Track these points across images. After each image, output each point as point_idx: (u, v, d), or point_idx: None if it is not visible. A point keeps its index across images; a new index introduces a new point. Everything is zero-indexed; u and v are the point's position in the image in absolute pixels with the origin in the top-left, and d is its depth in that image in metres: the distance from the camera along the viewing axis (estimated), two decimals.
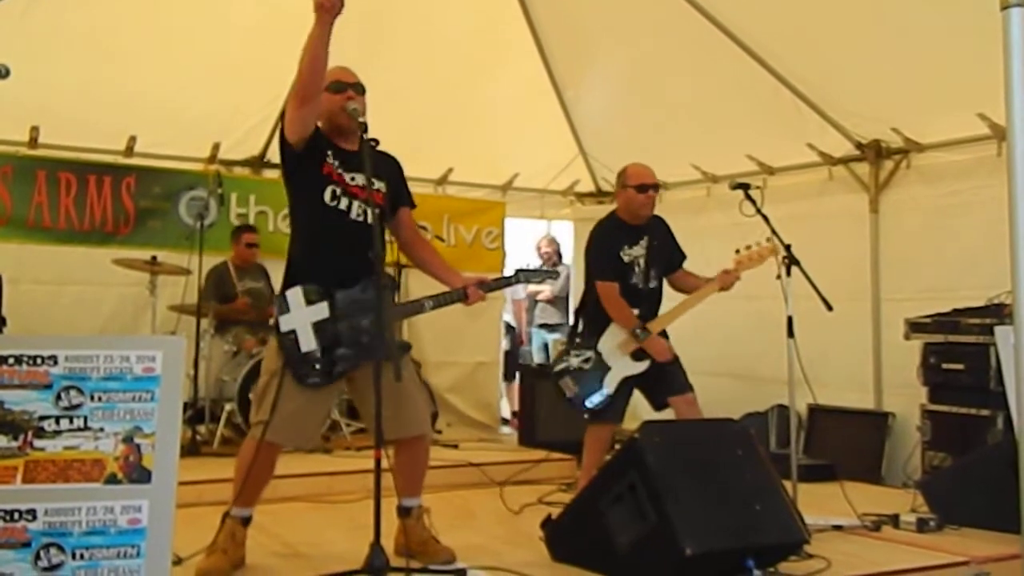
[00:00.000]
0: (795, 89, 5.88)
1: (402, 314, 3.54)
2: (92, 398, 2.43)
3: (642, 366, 4.53)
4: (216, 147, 6.56)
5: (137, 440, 2.42)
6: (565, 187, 7.99)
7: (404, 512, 3.59)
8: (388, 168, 3.47)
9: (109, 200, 6.21)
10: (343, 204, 3.34)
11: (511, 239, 7.82)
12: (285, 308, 3.35)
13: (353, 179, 3.37)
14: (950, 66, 5.00)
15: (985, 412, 4.89)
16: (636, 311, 4.54)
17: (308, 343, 3.32)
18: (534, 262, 8.79)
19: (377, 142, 3.32)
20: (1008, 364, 3.60)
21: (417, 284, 6.94)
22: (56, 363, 2.42)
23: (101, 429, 2.41)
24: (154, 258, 5.72)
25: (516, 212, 7.89)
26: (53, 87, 5.61)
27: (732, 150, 6.62)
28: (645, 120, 6.81)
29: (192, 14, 5.71)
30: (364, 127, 3.25)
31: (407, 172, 7.11)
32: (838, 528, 4.09)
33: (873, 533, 4.09)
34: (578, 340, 4.66)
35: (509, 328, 8.38)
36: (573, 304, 8.39)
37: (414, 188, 7.18)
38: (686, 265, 4.84)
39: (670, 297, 4.81)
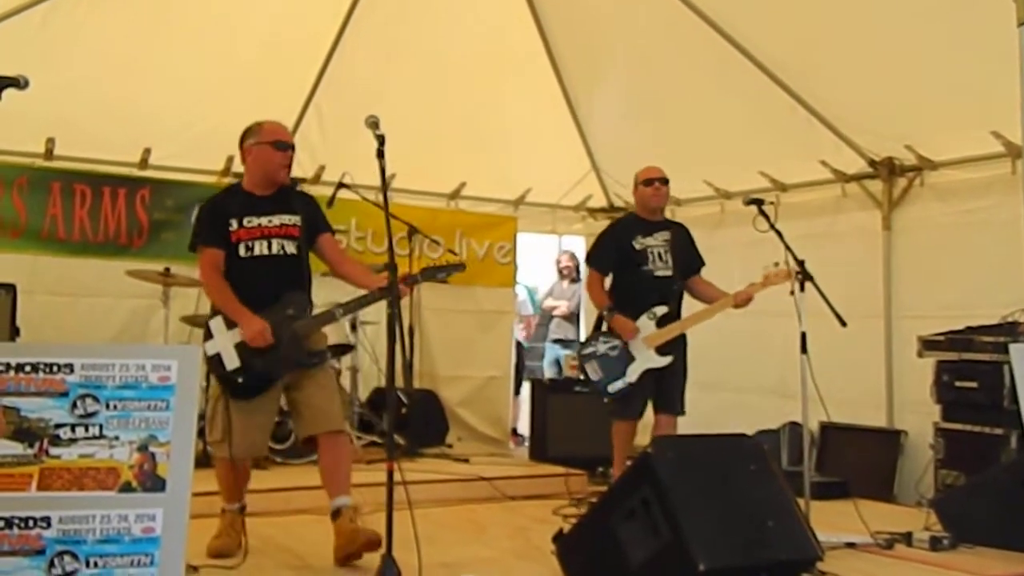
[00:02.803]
0: (808, 106, 5.88)
1: (315, 324, 3.88)
2: (108, 406, 2.44)
3: (664, 360, 4.77)
4: (230, 160, 6.58)
5: (152, 449, 2.43)
6: (577, 202, 7.99)
7: (335, 515, 3.76)
8: (303, 204, 3.95)
9: (123, 212, 6.23)
10: (258, 249, 3.82)
11: (523, 254, 7.82)
12: (209, 335, 3.79)
13: (271, 221, 3.85)
14: (964, 84, 4.99)
15: (999, 430, 4.85)
16: (655, 297, 4.82)
17: (232, 362, 3.73)
18: (552, 276, 8.83)
19: (296, 183, 4.02)
20: (1022, 382, 3.58)
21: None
22: (72, 371, 2.43)
23: (116, 437, 2.42)
24: (167, 270, 5.74)
25: (528, 227, 7.90)
26: (69, 99, 5.65)
27: (745, 166, 6.62)
28: (658, 136, 6.81)
29: (207, 27, 5.75)
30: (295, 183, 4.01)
31: (420, 186, 7.39)
32: (851, 546, 4.07)
33: (886, 551, 4.06)
34: (606, 328, 4.91)
35: (517, 344, 8.39)
36: (585, 318, 8.42)
37: (427, 202, 7.43)
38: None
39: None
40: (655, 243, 4.93)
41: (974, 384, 5.01)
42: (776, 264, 4.57)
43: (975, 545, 4.10)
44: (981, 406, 4.96)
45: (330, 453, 3.81)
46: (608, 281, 5.07)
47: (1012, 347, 3.77)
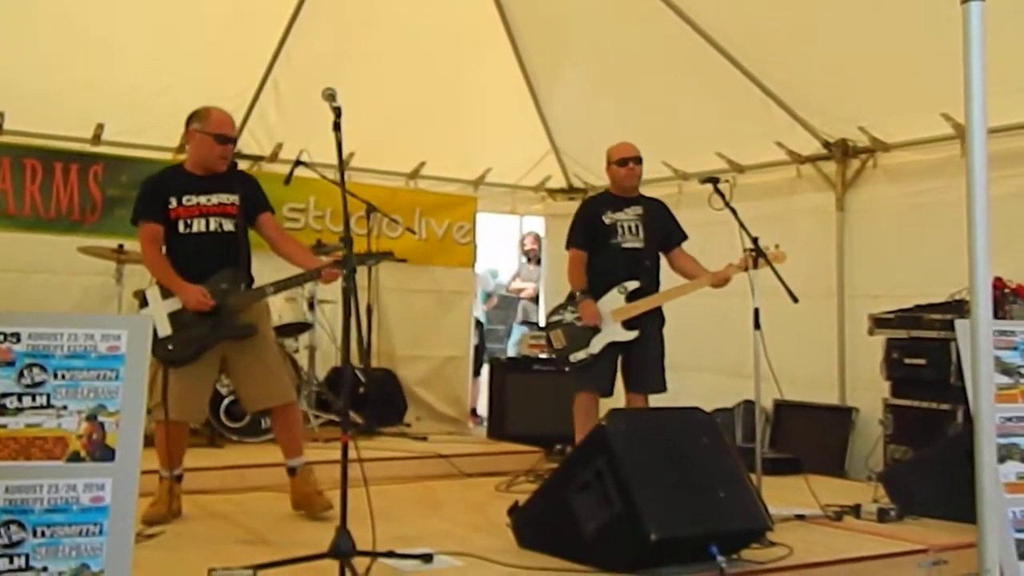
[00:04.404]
0: (764, 87, 5.94)
1: (247, 299, 4.09)
2: (56, 376, 2.41)
3: (630, 335, 4.70)
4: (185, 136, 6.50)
5: (101, 418, 2.40)
6: (537, 183, 8.01)
7: (291, 471, 4.16)
8: (242, 184, 4.15)
9: (76, 188, 6.13)
10: (196, 226, 4.02)
11: (483, 234, 7.83)
12: (144, 303, 4.03)
13: (209, 199, 4.05)
14: (915, 66, 5.07)
15: (946, 406, 4.95)
16: (625, 270, 4.78)
17: (163, 329, 3.91)
18: (512, 256, 8.86)
19: (235, 163, 4.18)
20: (967, 357, 3.65)
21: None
22: (19, 340, 2.40)
23: (64, 407, 2.39)
24: (121, 246, 5.66)
25: (488, 207, 7.90)
26: (19, 72, 5.54)
27: (703, 147, 6.67)
28: (617, 116, 6.83)
29: (162, 1, 5.66)
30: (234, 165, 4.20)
31: (379, 165, 7.31)
32: (801, 518, 4.14)
33: (835, 523, 4.15)
34: (573, 300, 4.85)
35: (478, 324, 8.42)
36: (544, 299, 8.47)
37: (386, 181, 7.40)
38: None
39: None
40: (625, 217, 4.86)
41: (922, 361, 5.10)
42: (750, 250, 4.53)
43: (921, 516, 4.20)
44: (929, 382, 5.05)
45: (282, 422, 4.19)
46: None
47: (957, 323, 3.82)
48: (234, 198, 4.09)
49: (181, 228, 4.02)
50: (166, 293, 3.98)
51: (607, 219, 4.85)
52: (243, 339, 4.02)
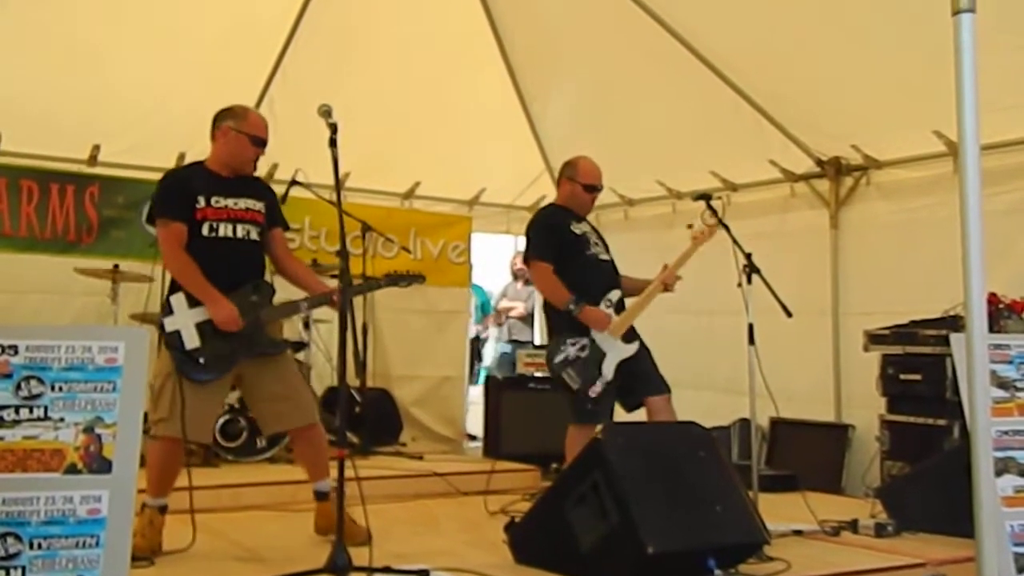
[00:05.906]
0: (757, 106, 5.99)
1: (279, 314, 3.91)
2: (53, 388, 2.41)
3: (633, 348, 4.45)
4: (181, 157, 6.50)
5: (98, 430, 2.40)
6: (531, 202, 8.02)
7: (320, 496, 3.90)
8: (266, 193, 3.98)
9: (72, 209, 6.14)
10: (222, 231, 3.76)
11: (477, 253, 7.85)
12: (169, 311, 3.69)
13: (237, 203, 3.81)
14: (907, 83, 5.12)
15: (942, 421, 4.96)
16: (605, 282, 4.53)
17: (191, 341, 3.65)
18: (506, 278, 8.86)
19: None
20: (963, 370, 3.66)
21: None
22: (16, 352, 2.40)
23: (61, 419, 2.39)
24: (116, 267, 5.67)
25: (482, 227, 7.93)
26: (15, 93, 5.57)
27: (696, 166, 6.71)
28: (611, 136, 6.88)
29: (158, 21, 5.70)
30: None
31: (374, 185, 7.32)
32: (798, 533, 4.13)
33: (832, 538, 4.14)
34: (567, 329, 4.44)
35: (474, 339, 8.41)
36: (540, 317, 8.45)
37: (381, 201, 7.41)
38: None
39: None
40: (587, 229, 4.66)
41: (918, 376, 5.11)
42: (689, 226, 4.53)
43: (919, 531, 4.19)
44: (925, 398, 5.07)
45: (307, 445, 3.92)
46: None
47: (952, 337, 3.83)
48: (260, 205, 3.86)
49: (205, 231, 3.71)
50: (194, 301, 3.66)
51: (576, 230, 4.58)
52: (271, 356, 3.81)
